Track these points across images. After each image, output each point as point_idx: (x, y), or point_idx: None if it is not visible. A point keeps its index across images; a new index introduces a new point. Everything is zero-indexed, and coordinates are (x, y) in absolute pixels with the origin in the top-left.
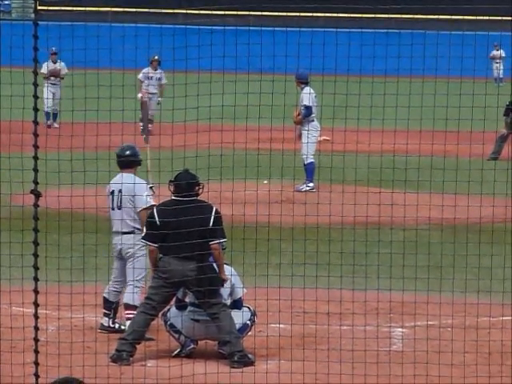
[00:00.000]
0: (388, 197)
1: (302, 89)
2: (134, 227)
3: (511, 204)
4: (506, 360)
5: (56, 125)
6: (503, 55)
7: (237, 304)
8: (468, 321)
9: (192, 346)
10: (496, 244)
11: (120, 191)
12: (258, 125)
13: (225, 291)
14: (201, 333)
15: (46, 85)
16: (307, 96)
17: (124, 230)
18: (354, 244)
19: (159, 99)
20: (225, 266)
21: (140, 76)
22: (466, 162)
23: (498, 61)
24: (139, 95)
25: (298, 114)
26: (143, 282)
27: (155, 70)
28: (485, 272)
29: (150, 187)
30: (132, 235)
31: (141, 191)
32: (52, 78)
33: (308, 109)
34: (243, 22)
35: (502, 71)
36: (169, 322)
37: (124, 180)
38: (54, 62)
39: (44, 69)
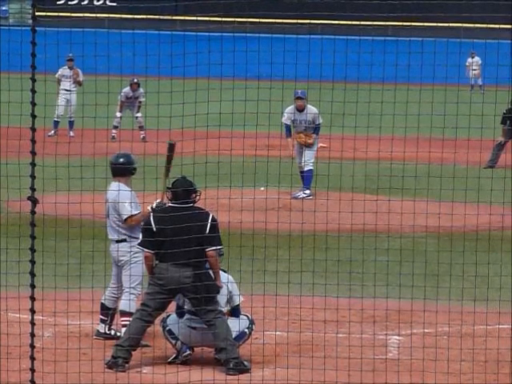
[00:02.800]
0: (385, 204)
1: (304, 108)
2: (125, 234)
3: (508, 212)
4: (502, 368)
5: (72, 133)
6: (479, 62)
7: (235, 312)
8: (464, 329)
9: (188, 352)
10: (493, 252)
11: (107, 200)
12: (255, 131)
13: (222, 298)
14: (197, 340)
15: (60, 92)
16: (318, 114)
17: (115, 238)
18: (351, 251)
19: (137, 114)
20: (222, 273)
21: (120, 96)
22: (463, 170)
23: (475, 68)
24: (118, 114)
25: (306, 136)
26: (140, 289)
27: (134, 92)
28: (481, 280)
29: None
30: (124, 243)
31: (123, 199)
32: (67, 84)
33: (318, 127)
34: (240, 28)
35: (478, 79)
36: (167, 328)
37: (110, 188)
38: (71, 68)
39: (58, 74)
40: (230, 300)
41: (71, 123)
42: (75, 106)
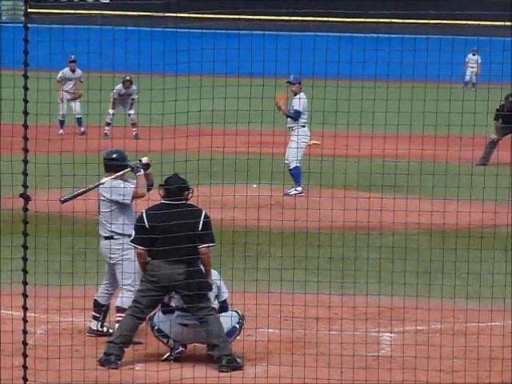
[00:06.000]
0: (377, 202)
1: (296, 94)
2: (113, 231)
3: (501, 209)
4: (494, 366)
5: (82, 129)
6: (479, 61)
7: (223, 308)
8: (457, 326)
9: (181, 349)
10: (485, 250)
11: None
12: (248, 129)
13: (211, 294)
14: (190, 337)
15: (61, 91)
16: (301, 101)
17: (103, 235)
18: (343, 249)
19: (130, 111)
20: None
21: (113, 93)
22: (456, 167)
23: (473, 65)
24: (110, 111)
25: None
26: (135, 286)
27: (127, 89)
28: (474, 278)
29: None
30: (114, 240)
31: (117, 185)
32: (69, 86)
33: (296, 113)
34: (234, 25)
35: (474, 76)
36: (156, 327)
37: (105, 185)
38: (73, 70)
39: (60, 76)
40: (218, 296)
41: (79, 120)
42: (79, 103)
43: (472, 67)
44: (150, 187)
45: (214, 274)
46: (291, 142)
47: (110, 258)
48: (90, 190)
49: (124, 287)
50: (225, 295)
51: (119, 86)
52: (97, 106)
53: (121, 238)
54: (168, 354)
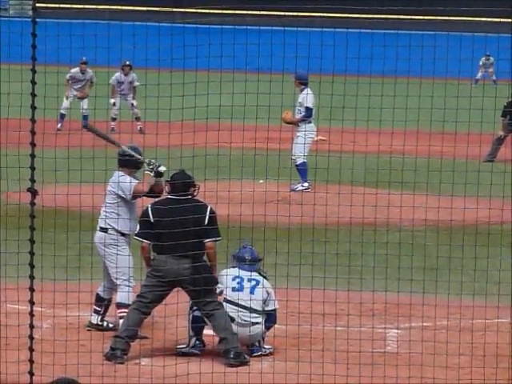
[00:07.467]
0: (384, 198)
1: (302, 90)
2: (109, 225)
3: (508, 206)
4: (500, 363)
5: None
6: (493, 62)
7: (270, 317)
8: (463, 323)
9: (199, 349)
10: (492, 246)
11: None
12: (255, 124)
13: (258, 303)
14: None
15: (70, 88)
16: (309, 97)
17: (100, 225)
18: (350, 245)
19: (133, 101)
20: (260, 277)
21: (112, 81)
22: (463, 164)
23: (488, 67)
24: (111, 100)
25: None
26: (133, 281)
27: (126, 75)
28: (480, 274)
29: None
30: (106, 234)
31: (124, 180)
32: (77, 86)
33: (309, 110)
34: (241, 21)
35: (483, 74)
36: (191, 314)
37: (113, 178)
38: (83, 72)
39: (69, 75)
40: (265, 301)
41: (85, 117)
42: (87, 100)
43: (489, 69)
44: (158, 194)
45: (266, 282)
46: (298, 137)
47: (102, 251)
48: (110, 142)
49: (121, 283)
50: (273, 304)
51: (117, 74)
52: (103, 100)
53: (115, 233)
54: (184, 346)
